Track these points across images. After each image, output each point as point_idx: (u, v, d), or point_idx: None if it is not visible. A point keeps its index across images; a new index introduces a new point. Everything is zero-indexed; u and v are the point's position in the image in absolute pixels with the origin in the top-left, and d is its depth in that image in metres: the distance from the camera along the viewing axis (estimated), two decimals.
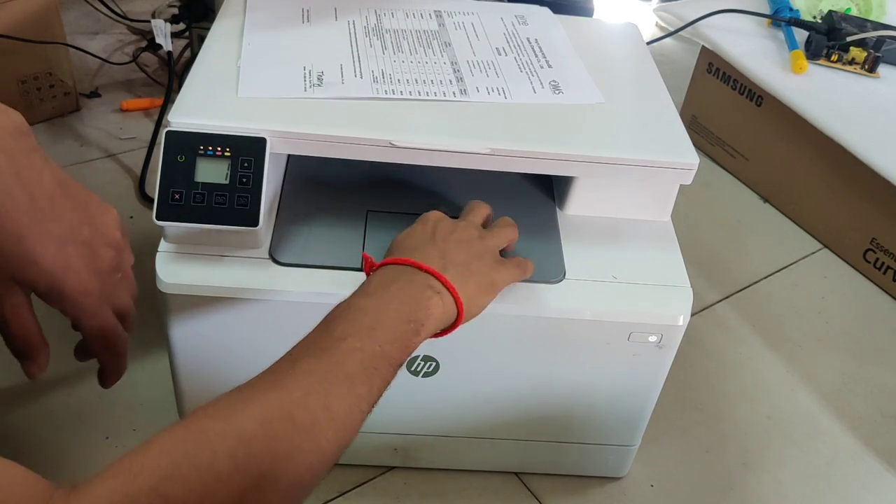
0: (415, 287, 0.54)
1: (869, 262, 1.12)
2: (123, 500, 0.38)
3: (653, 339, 0.67)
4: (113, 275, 0.52)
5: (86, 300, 0.50)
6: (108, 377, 0.58)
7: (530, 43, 0.79)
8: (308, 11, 0.79)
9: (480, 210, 0.64)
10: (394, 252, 0.58)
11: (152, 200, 0.68)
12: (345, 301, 0.52)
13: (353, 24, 0.78)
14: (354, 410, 0.46)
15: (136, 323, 0.92)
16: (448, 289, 0.54)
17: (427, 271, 0.54)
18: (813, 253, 1.16)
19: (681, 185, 0.69)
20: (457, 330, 0.57)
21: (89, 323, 0.52)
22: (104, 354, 0.54)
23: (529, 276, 0.63)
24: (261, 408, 0.44)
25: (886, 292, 1.10)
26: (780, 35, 1.24)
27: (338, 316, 0.51)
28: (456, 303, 0.55)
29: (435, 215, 0.61)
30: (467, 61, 0.74)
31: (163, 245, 0.65)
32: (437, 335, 0.55)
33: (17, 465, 0.38)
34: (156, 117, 1.22)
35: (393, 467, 0.79)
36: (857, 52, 1.18)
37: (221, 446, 0.41)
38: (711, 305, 1.05)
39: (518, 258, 0.63)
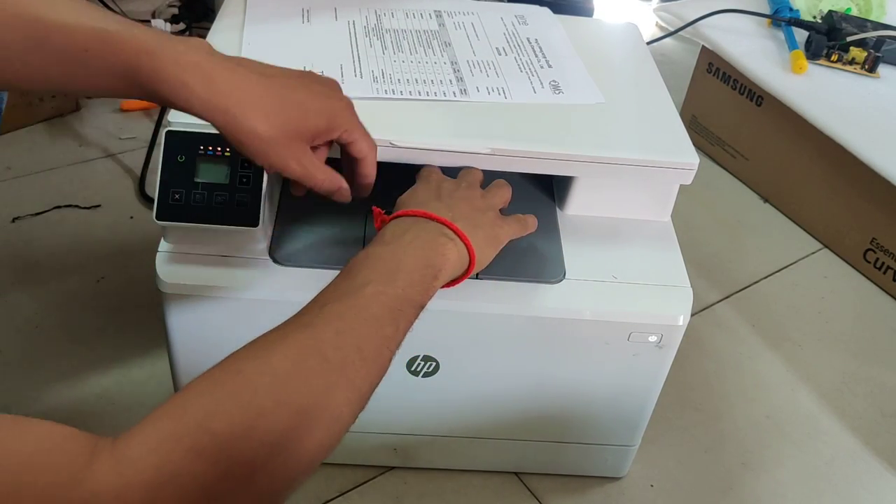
0: (429, 234, 0.55)
1: (869, 262, 1.12)
2: (171, 438, 0.39)
3: (653, 339, 0.67)
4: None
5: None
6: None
7: (530, 43, 0.79)
8: (308, 11, 0.79)
9: (475, 174, 0.65)
10: (402, 207, 0.59)
11: (152, 200, 0.68)
12: (363, 251, 0.53)
13: (353, 24, 0.78)
14: (383, 350, 0.48)
15: (135, 323, 0.92)
16: (460, 237, 0.56)
17: (439, 221, 0.56)
18: (813, 253, 1.16)
19: (681, 185, 0.69)
20: (466, 280, 0.59)
21: (357, 130, 0.58)
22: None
23: (532, 230, 0.65)
24: (294, 348, 0.45)
25: (886, 292, 1.10)
26: (780, 35, 1.24)
27: (358, 264, 0.52)
28: (468, 250, 0.56)
29: (437, 176, 0.62)
30: (467, 61, 0.74)
31: (163, 245, 0.65)
32: (450, 284, 0.57)
33: (57, 425, 0.39)
34: (156, 117, 1.22)
35: (393, 467, 0.79)
36: (857, 52, 1.18)
37: (260, 383, 0.43)
38: (711, 305, 1.05)
39: (518, 215, 0.64)
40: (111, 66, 0.48)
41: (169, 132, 0.61)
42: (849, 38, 1.18)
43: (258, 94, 0.51)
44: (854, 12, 1.27)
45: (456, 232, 0.56)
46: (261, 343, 0.46)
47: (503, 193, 0.64)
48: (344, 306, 0.48)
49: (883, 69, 1.19)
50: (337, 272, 0.64)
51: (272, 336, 0.47)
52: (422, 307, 0.52)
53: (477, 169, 0.65)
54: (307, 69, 0.69)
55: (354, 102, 0.68)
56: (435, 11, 0.82)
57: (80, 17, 0.48)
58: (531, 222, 0.65)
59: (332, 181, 0.57)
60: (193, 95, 0.49)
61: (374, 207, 0.60)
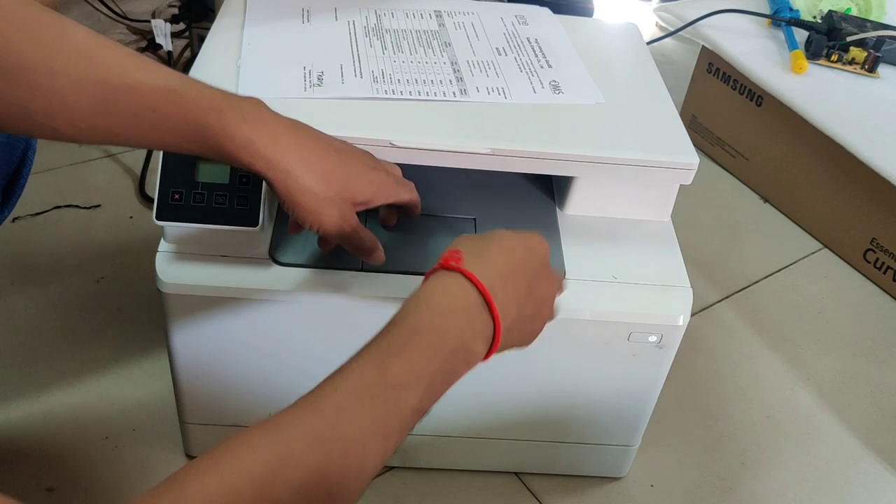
0: (473, 334, 0.50)
1: (869, 262, 1.12)
2: None
3: (653, 339, 0.67)
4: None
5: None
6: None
7: (530, 43, 0.79)
8: (308, 11, 0.79)
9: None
10: (485, 262, 0.52)
11: (152, 200, 0.68)
12: (413, 317, 0.48)
13: (353, 24, 0.78)
14: (379, 461, 0.46)
15: (135, 323, 0.92)
16: (493, 343, 0.51)
17: (490, 310, 0.50)
18: (813, 253, 1.16)
19: (681, 185, 0.69)
20: None
21: (402, 197, 0.61)
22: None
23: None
24: (301, 453, 0.43)
25: (886, 292, 1.10)
26: (780, 35, 1.24)
27: (400, 349, 0.47)
28: (489, 351, 0.51)
29: (543, 249, 0.56)
30: (467, 61, 0.74)
31: (163, 245, 0.65)
32: None
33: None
34: None
35: (392, 467, 0.79)
36: (857, 52, 1.18)
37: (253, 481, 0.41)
38: (711, 305, 1.05)
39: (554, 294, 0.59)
40: (179, 125, 0.49)
41: None
42: (849, 38, 1.18)
43: (317, 156, 0.54)
44: (854, 12, 1.27)
45: (496, 331, 0.50)
46: (265, 429, 0.43)
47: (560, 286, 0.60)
48: (363, 413, 0.45)
49: (883, 69, 1.19)
50: (336, 272, 0.65)
51: (277, 427, 0.44)
52: (424, 414, 0.49)
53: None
54: (307, 69, 0.69)
55: (355, 102, 0.68)
56: (435, 11, 0.82)
57: (148, 77, 0.49)
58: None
59: (373, 242, 0.60)
60: (258, 153, 0.51)
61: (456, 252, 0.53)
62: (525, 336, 0.56)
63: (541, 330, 0.57)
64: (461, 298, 0.50)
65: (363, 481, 0.45)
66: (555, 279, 0.57)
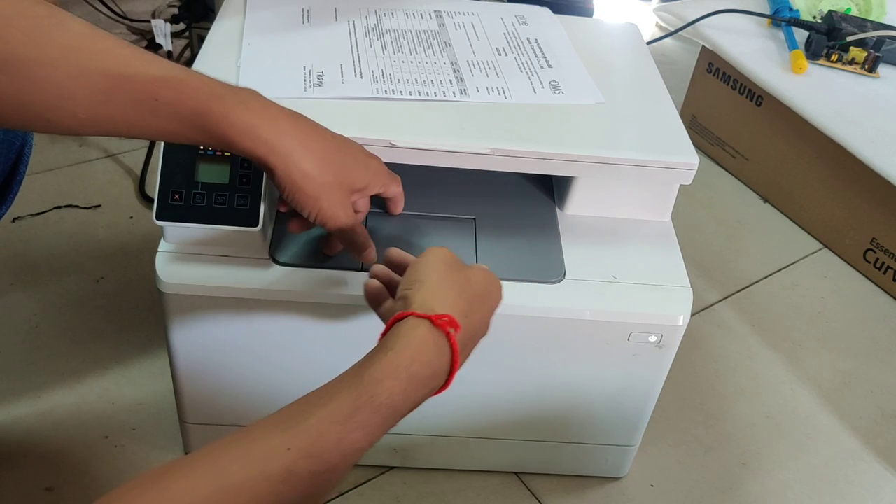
0: (438, 372, 0.50)
1: (869, 262, 1.12)
2: None
3: (653, 339, 0.67)
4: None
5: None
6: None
7: (530, 43, 0.79)
8: (308, 11, 0.79)
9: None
10: (430, 297, 0.52)
11: (152, 200, 0.68)
12: (389, 357, 0.48)
13: (353, 24, 0.78)
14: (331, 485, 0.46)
15: (135, 323, 0.92)
16: (451, 371, 0.51)
17: (450, 346, 0.50)
18: (813, 253, 1.16)
19: (681, 185, 0.69)
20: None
21: (393, 188, 0.63)
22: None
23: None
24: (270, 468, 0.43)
25: (886, 292, 1.10)
26: (780, 35, 1.24)
27: (367, 407, 0.46)
28: (445, 384, 0.51)
29: (483, 275, 0.56)
30: (467, 61, 0.74)
31: (163, 245, 0.65)
32: None
33: None
34: None
35: (392, 467, 0.79)
36: (857, 52, 1.18)
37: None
38: (711, 305, 1.05)
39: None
40: (179, 113, 0.49)
41: None
42: (849, 38, 1.18)
43: (316, 141, 0.54)
44: (854, 12, 1.27)
45: (453, 365, 0.50)
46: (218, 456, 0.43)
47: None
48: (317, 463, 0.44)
49: (883, 69, 1.19)
50: (336, 272, 0.65)
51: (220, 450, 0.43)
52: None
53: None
54: (307, 69, 0.69)
55: (355, 102, 0.69)
56: (435, 11, 0.82)
57: (148, 66, 0.49)
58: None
59: (367, 239, 0.60)
60: (259, 139, 0.51)
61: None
62: (479, 330, 0.56)
63: (490, 316, 0.56)
64: (440, 370, 0.49)
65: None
66: (474, 267, 0.57)
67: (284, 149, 0.52)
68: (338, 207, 0.56)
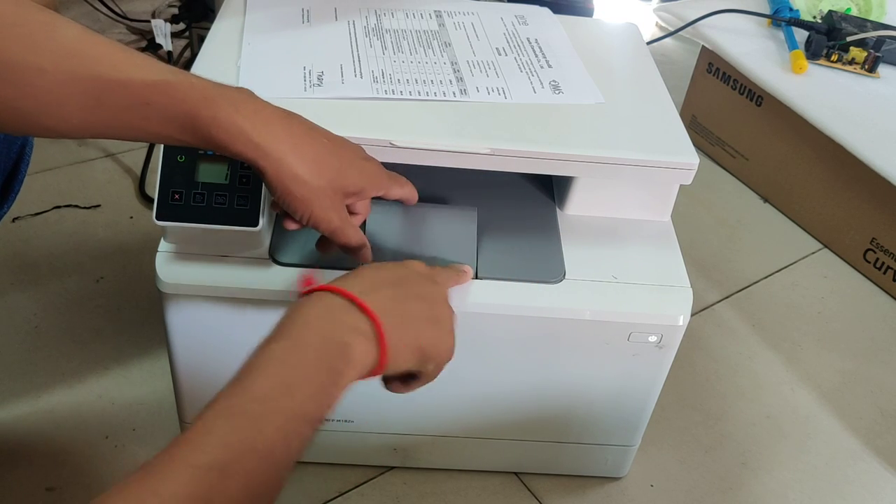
0: (337, 327, 0.49)
1: (869, 262, 1.12)
2: None
3: (653, 339, 0.67)
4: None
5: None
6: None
7: (530, 43, 0.79)
8: (308, 11, 0.79)
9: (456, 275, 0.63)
10: (345, 281, 0.53)
11: (152, 200, 0.68)
12: (265, 343, 0.49)
13: (353, 24, 0.78)
14: (273, 478, 0.44)
15: (135, 323, 0.92)
16: (376, 331, 0.50)
17: (356, 303, 0.50)
18: (813, 253, 1.16)
19: (681, 185, 0.69)
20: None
21: (392, 189, 0.61)
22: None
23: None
24: (176, 488, 0.41)
25: (886, 292, 1.10)
26: (780, 35, 1.24)
27: (256, 367, 0.47)
28: (381, 348, 0.50)
29: (416, 265, 0.58)
30: (467, 61, 0.74)
31: (163, 245, 0.65)
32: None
33: None
34: None
35: (393, 467, 0.79)
36: (857, 52, 1.18)
37: None
38: (711, 305, 1.05)
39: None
40: (171, 117, 0.49)
41: None
42: (849, 38, 1.18)
43: (308, 144, 0.53)
44: (854, 12, 1.27)
45: (373, 323, 0.50)
46: (147, 470, 0.41)
47: (457, 278, 0.63)
48: (235, 432, 0.43)
49: (883, 69, 1.19)
50: (336, 272, 0.64)
51: (159, 466, 0.41)
52: (320, 421, 0.47)
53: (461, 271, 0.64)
54: (307, 69, 0.69)
55: (355, 102, 0.68)
56: (435, 11, 0.82)
57: (139, 71, 0.49)
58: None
59: (361, 239, 0.59)
60: (250, 142, 0.50)
61: (304, 276, 0.59)
62: (438, 341, 0.55)
63: (452, 332, 0.56)
64: (317, 305, 0.50)
65: (261, 497, 0.43)
66: (439, 279, 0.58)
67: (275, 152, 0.51)
68: (330, 212, 0.55)
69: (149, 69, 0.49)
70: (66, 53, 0.48)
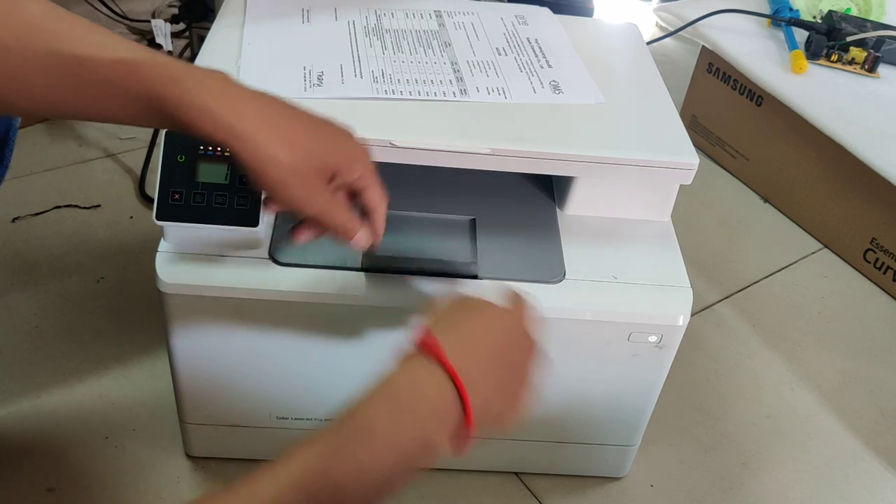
0: (435, 431, 0.47)
1: (869, 262, 1.12)
2: None
3: (653, 339, 0.67)
4: None
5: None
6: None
7: (530, 43, 0.79)
8: (308, 11, 0.79)
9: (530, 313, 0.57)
10: (463, 344, 0.49)
11: (152, 200, 0.68)
12: (374, 400, 0.46)
13: (353, 24, 0.78)
14: None
15: (135, 323, 0.92)
16: (467, 424, 0.47)
17: (466, 412, 0.47)
18: (813, 253, 1.16)
19: (681, 185, 0.69)
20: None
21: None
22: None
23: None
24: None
25: (886, 292, 1.10)
26: (780, 35, 1.24)
27: (351, 434, 0.45)
28: (465, 423, 0.48)
29: (522, 319, 0.54)
30: (467, 61, 0.74)
31: (163, 245, 0.65)
32: None
33: None
34: None
35: None
36: (857, 52, 1.18)
37: None
38: (711, 305, 1.05)
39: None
40: (136, 95, 0.48)
41: (169, 132, 0.61)
42: (849, 38, 1.18)
43: (283, 122, 0.51)
44: (854, 12, 1.27)
45: (466, 432, 0.47)
46: None
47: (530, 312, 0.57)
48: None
49: (883, 69, 1.19)
50: (336, 272, 0.65)
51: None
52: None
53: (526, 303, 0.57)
54: (307, 69, 0.69)
55: (355, 102, 0.68)
56: (435, 11, 0.82)
57: (103, 48, 0.47)
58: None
59: (351, 221, 0.55)
60: (218, 121, 0.48)
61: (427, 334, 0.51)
62: (500, 415, 0.52)
63: (519, 410, 0.53)
64: (432, 395, 0.47)
65: None
66: (535, 350, 0.54)
67: (246, 132, 0.49)
68: (312, 193, 0.52)
69: (114, 47, 0.48)
70: (29, 29, 0.47)
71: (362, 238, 0.56)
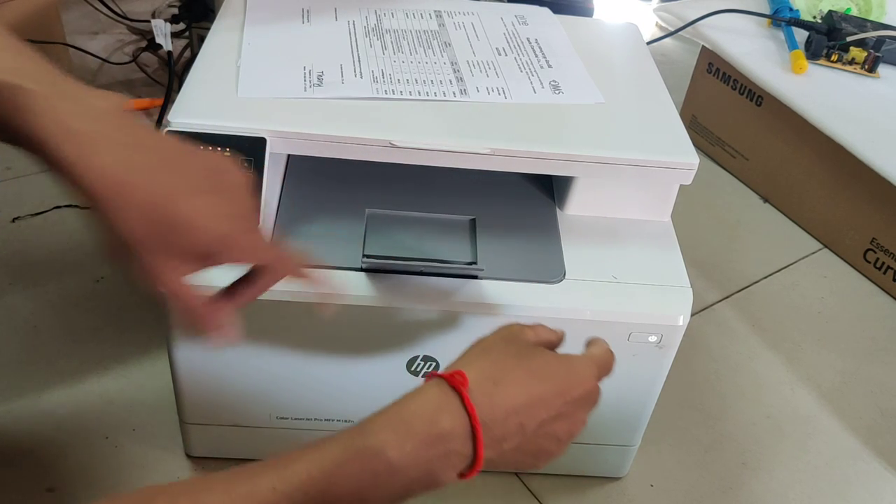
0: (443, 468, 0.45)
1: (869, 262, 1.12)
2: None
3: (653, 339, 0.67)
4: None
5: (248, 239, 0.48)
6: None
7: (530, 43, 0.79)
8: (308, 11, 0.79)
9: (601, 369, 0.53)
10: (497, 390, 0.46)
11: None
12: (388, 423, 0.44)
13: (353, 24, 0.78)
14: None
15: (135, 323, 0.92)
16: (476, 446, 0.45)
17: (469, 415, 0.45)
18: (813, 253, 1.16)
19: (681, 185, 0.69)
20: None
21: (265, 256, 0.50)
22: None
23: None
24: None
25: (886, 292, 1.10)
26: (780, 35, 1.24)
27: (359, 455, 0.43)
28: (474, 464, 0.46)
29: (586, 385, 0.51)
30: (467, 61, 0.74)
31: None
32: None
33: None
34: (156, 117, 1.22)
35: None
36: (857, 52, 1.18)
37: None
38: (711, 305, 1.05)
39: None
40: None
41: (169, 132, 0.61)
42: (849, 38, 1.18)
43: (129, 139, 0.43)
44: (854, 12, 1.27)
45: (476, 438, 0.45)
46: None
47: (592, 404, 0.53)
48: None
49: (883, 69, 1.19)
50: (336, 272, 0.65)
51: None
52: None
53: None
54: (307, 69, 0.69)
55: (355, 102, 0.68)
56: (435, 11, 0.82)
57: None
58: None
59: (194, 299, 0.46)
60: (55, 121, 0.41)
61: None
62: (517, 465, 0.50)
63: (543, 465, 0.51)
64: (446, 431, 0.44)
65: None
66: (584, 419, 0.51)
67: (81, 132, 0.42)
68: (147, 224, 0.43)
69: None
70: None
71: (219, 337, 0.49)
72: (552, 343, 0.54)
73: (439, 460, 0.44)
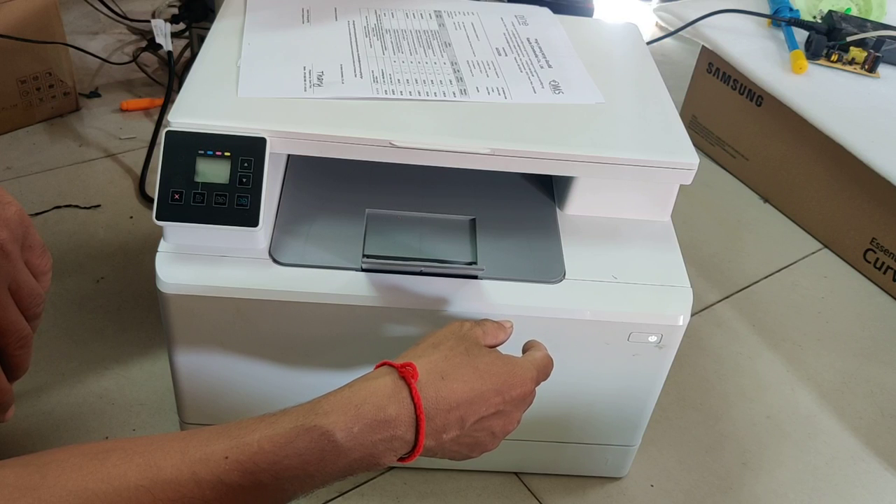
0: (385, 451, 0.48)
1: (869, 262, 1.12)
2: None
3: (653, 339, 0.67)
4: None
5: None
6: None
7: (530, 43, 0.79)
8: (308, 11, 0.79)
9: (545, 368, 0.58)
10: (444, 385, 0.50)
11: (152, 200, 0.68)
12: (338, 405, 0.48)
13: (353, 24, 0.78)
14: None
15: (135, 323, 0.92)
16: (418, 436, 0.49)
17: (419, 416, 0.48)
18: (813, 253, 1.16)
19: (681, 185, 0.69)
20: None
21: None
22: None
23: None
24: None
25: (886, 292, 1.11)
26: (780, 35, 1.24)
27: (307, 433, 0.46)
28: (416, 448, 0.50)
29: (527, 386, 0.55)
30: (467, 61, 0.74)
31: (163, 245, 0.65)
32: None
33: None
34: (156, 117, 1.22)
35: (392, 467, 0.79)
36: (857, 52, 1.18)
37: None
38: (711, 305, 1.05)
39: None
40: None
41: (169, 132, 0.61)
42: (849, 38, 1.18)
43: None
44: (854, 12, 1.27)
45: (419, 426, 0.49)
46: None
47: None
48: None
49: (883, 69, 1.19)
50: (336, 272, 0.65)
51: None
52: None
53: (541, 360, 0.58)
54: (307, 69, 0.69)
55: (355, 102, 0.68)
56: (435, 11, 0.82)
57: None
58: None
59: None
60: None
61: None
62: (453, 455, 0.54)
63: (476, 456, 0.55)
64: (392, 418, 0.48)
65: None
66: (518, 417, 0.55)
67: None
68: None
69: None
70: None
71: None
72: (499, 339, 0.58)
73: (383, 444, 0.48)
